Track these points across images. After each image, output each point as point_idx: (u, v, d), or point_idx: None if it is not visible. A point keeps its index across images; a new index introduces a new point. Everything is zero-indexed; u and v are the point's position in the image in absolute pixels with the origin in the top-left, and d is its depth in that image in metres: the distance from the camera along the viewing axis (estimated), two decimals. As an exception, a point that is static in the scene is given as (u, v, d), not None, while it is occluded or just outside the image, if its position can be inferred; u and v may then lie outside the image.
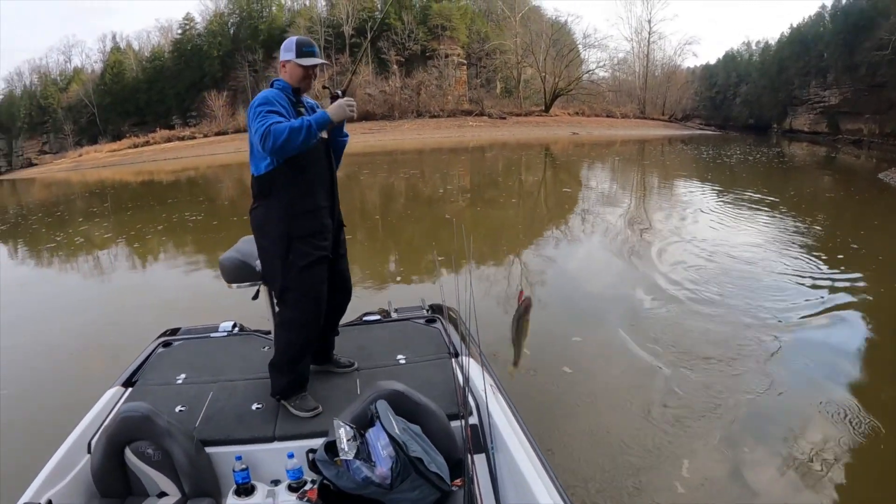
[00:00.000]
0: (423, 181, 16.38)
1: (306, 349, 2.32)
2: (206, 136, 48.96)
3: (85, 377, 4.11)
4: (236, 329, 2.98)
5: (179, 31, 59.79)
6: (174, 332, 3.02)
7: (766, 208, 9.87)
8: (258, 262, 2.39)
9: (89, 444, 2.00)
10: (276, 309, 2.43)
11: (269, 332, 2.74)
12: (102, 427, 2.04)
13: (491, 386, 2.12)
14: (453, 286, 2.27)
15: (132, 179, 27.53)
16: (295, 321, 2.28)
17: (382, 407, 1.91)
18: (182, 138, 49.94)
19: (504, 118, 44.84)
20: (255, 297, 2.60)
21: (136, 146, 51.00)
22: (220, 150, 41.72)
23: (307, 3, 56.13)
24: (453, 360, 2.45)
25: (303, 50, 2.29)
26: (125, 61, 61.43)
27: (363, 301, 4.45)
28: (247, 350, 2.74)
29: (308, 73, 2.30)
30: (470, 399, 2.07)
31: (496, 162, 22.56)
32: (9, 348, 4.83)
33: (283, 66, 2.30)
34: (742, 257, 6.62)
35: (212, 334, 2.94)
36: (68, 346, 4.97)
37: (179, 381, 2.44)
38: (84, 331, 5.41)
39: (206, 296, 6.06)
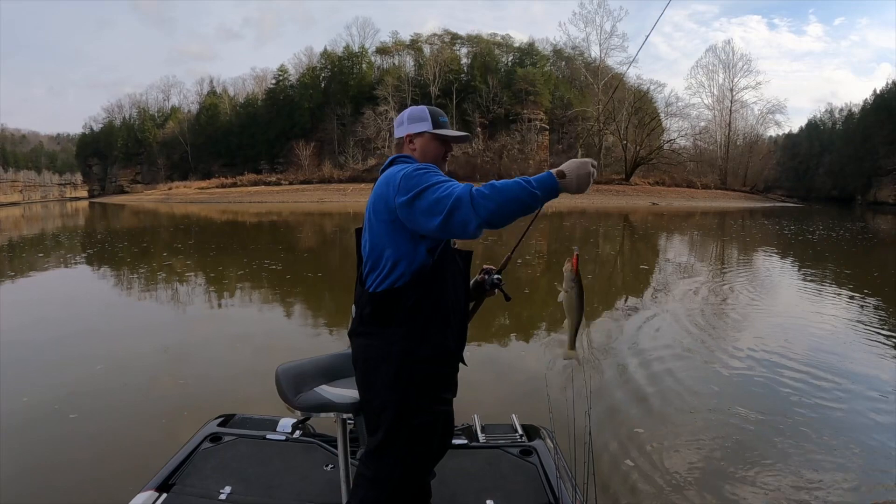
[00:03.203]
0: (503, 248, 15.49)
1: None
2: (291, 183, 51.20)
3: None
4: (297, 432, 2.55)
5: (273, 81, 64.07)
6: (227, 420, 2.66)
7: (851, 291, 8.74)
8: (330, 391, 1.87)
9: None
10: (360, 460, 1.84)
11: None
12: None
13: None
14: (553, 392, 1.97)
15: (217, 217, 28.44)
16: (389, 487, 1.65)
17: None
18: (268, 183, 52.45)
19: (584, 185, 44.47)
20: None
21: (223, 186, 54.04)
22: (304, 199, 43.42)
23: (396, 62, 58.85)
24: None
25: (439, 120, 1.75)
26: (220, 105, 66.21)
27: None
28: (307, 465, 2.31)
29: (447, 152, 1.77)
30: None
31: (578, 231, 21.48)
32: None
33: (410, 140, 1.75)
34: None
35: (268, 434, 2.53)
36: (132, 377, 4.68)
37: (223, 496, 2.07)
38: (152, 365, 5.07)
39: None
